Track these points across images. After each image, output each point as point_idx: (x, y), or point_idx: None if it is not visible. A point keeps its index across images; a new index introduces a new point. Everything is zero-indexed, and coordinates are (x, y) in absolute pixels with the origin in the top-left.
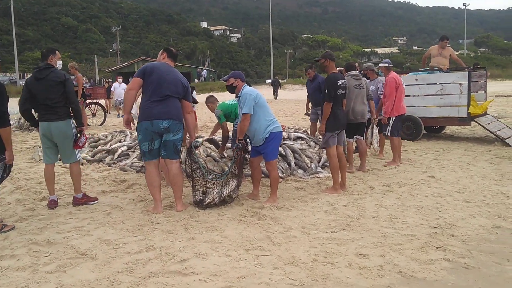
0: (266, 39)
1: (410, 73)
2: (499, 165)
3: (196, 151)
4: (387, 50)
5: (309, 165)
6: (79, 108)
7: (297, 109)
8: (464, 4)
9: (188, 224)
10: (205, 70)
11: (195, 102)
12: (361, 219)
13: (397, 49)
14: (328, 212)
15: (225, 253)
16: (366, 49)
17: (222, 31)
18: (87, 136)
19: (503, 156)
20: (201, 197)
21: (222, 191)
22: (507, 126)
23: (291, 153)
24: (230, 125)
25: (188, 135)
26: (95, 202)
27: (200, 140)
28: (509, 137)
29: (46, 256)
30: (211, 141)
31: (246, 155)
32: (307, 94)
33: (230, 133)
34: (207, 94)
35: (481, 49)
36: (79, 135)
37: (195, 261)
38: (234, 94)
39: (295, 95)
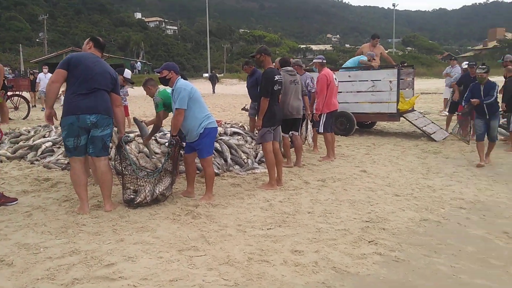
0: (203, 33)
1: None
2: (425, 159)
3: (127, 147)
4: (321, 47)
5: (245, 160)
6: None
7: (234, 103)
8: (393, 5)
9: (117, 225)
10: (139, 63)
11: (131, 82)
12: (297, 214)
13: (331, 46)
14: (264, 208)
15: (157, 255)
16: (302, 46)
17: (158, 22)
18: (3, 132)
19: (429, 151)
20: (132, 196)
21: (155, 189)
22: (432, 122)
23: (227, 149)
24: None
25: (118, 130)
26: (14, 203)
27: (131, 135)
28: (434, 132)
29: None
30: (136, 121)
31: (181, 151)
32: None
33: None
34: (141, 87)
35: (408, 48)
36: None
37: (123, 264)
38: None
39: (232, 90)
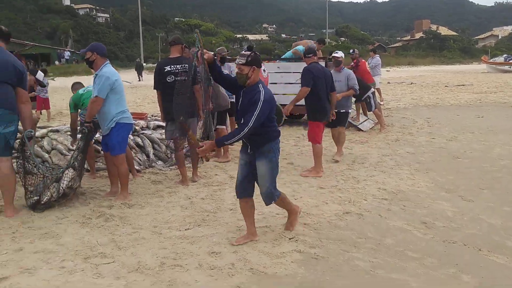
0: (137, 21)
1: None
2: (352, 149)
3: (30, 144)
4: (257, 37)
5: (169, 155)
6: None
7: None
8: None
9: (18, 232)
10: (67, 52)
11: (42, 85)
12: (218, 212)
13: (267, 36)
14: (184, 207)
15: (59, 265)
16: (238, 35)
17: (88, 10)
18: None
19: (355, 141)
20: (37, 197)
21: (60, 184)
22: (360, 113)
23: (150, 144)
24: None
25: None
26: None
27: (44, 130)
28: (361, 123)
29: None
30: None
31: (96, 146)
32: None
33: None
34: (70, 78)
35: (341, 38)
36: None
37: (18, 278)
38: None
39: None
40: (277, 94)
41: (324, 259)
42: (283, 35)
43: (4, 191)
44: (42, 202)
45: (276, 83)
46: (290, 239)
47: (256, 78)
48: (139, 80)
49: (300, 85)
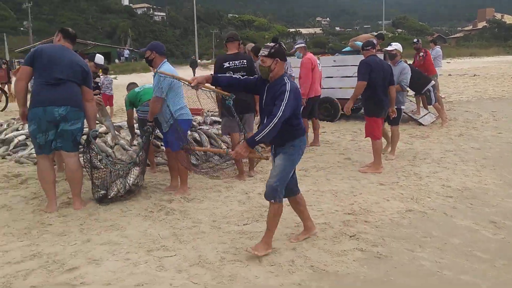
0: (192, 18)
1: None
2: (412, 144)
3: (98, 141)
4: (311, 30)
5: (226, 151)
6: None
7: None
8: None
9: (85, 223)
10: (126, 50)
11: (103, 69)
12: None
13: (320, 29)
14: (242, 201)
15: (124, 257)
16: (291, 30)
17: (145, 9)
18: None
19: (416, 135)
20: (103, 192)
21: (126, 180)
22: (421, 106)
23: (207, 139)
24: None
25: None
26: None
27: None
28: (422, 117)
29: None
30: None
31: (156, 141)
32: None
33: None
34: (129, 75)
35: (398, 30)
36: None
37: (87, 268)
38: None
39: None
40: (333, 88)
41: (387, 258)
42: (337, 28)
43: (72, 185)
44: (109, 197)
45: (331, 77)
46: (351, 237)
47: (280, 71)
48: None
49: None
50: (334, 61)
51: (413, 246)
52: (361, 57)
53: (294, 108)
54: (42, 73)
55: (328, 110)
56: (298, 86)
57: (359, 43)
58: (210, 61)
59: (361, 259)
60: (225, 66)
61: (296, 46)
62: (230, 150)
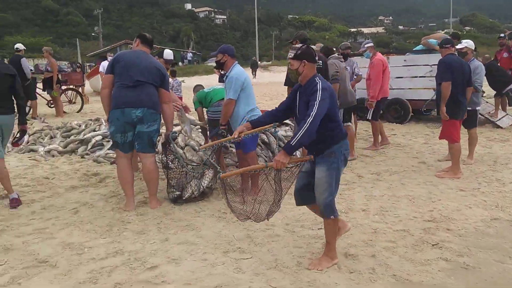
0: (252, 21)
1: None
2: (491, 148)
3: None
4: (373, 29)
5: (295, 153)
6: (25, 104)
7: (282, 92)
8: None
9: (162, 223)
10: (189, 53)
11: (172, 63)
12: (350, 212)
13: (383, 28)
14: None
15: (201, 257)
16: (352, 29)
17: (207, 12)
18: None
19: (494, 139)
20: (178, 193)
21: (201, 183)
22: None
23: (275, 140)
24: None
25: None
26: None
27: (176, 129)
28: (500, 119)
29: (0, 265)
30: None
31: (227, 144)
32: None
33: None
34: (192, 78)
35: (466, 27)
36: (19, 133)
37: (167, 267)
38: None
39: (280, 78)
40: (403, 88)
41: (475, 269)
42: (400, 27)
43: (149, 184)
44: (184, 198)
45: (401, 77)
46: (433, 245)
47: (309, 73)
48: (253, 78)
49: (429, 78)
50: (405, 60)
51: (502, 257)
52: (434, 57)
53: (330, 108)
54: (120, 77)
55: (397, 111)
56: (350, 87)
57: (434, 41)
58: (270, 62)
59: (446, 270)
60: None
61: (366, 46)
62: (268, 163)
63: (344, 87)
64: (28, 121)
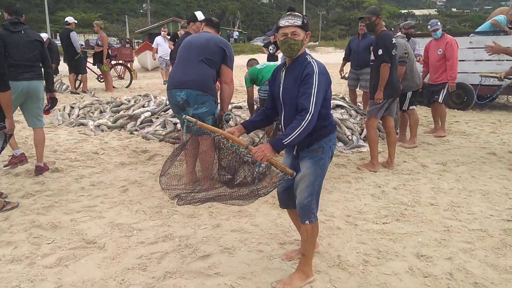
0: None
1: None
2: None
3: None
4: (425, 11)
5: (350, 137)
6: (53, 72)
7: (331, 73)
8: None
9: (213, 206)
10: (235, 32)
11: None
12: (417, 206)
13: (435, 10)
14: (376, 196)
15: (256, 248)
16: (403, 11)
17: None
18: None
19: None
20: (229, 176)
21: (254, 168)
22: None
23: None
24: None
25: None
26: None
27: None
28: None
29: (48, 244)
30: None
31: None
32: (344, 55)
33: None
34: (237, 57)
35: None
36: (50, 101)
37: (220, 257)
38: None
39: (328, 58)
40: (467, 72)
41: None
42: (454, 9)
43: (201, 167)
44: (236, 183)
45: (465, 60)
46: None
47: (303, 48)
48: None
49: (496, 62)
50: (471, 42)
51: None
52: (502, 38)
53: (324, 94)
54: (177, 57)
55: (460, 97)
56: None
57: (501, 19)
58: (317, 43)
59: None
60: (393, 42)
61: (437, 26)
62: (250, 145)
63: (412, 69)
64: (78, 95)
